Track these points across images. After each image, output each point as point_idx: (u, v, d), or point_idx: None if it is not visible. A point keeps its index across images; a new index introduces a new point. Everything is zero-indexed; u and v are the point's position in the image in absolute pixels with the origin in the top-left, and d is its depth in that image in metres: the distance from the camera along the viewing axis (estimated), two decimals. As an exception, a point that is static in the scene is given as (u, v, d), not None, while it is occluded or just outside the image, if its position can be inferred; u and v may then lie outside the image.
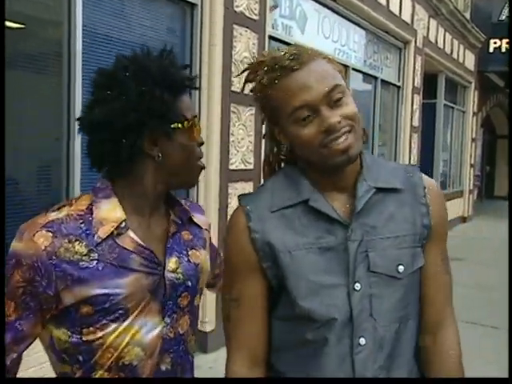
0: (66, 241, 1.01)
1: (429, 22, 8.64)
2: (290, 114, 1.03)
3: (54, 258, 1.00)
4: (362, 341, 1.03)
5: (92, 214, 1.06)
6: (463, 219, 11.88)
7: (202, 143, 1.16)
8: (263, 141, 1.22)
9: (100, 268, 1.02)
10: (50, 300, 1.02)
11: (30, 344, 1.06)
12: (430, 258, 1.13)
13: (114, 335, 1.04)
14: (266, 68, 1.05)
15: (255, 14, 4.47)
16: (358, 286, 1.04)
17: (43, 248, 1.00)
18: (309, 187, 1.08)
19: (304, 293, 1.04)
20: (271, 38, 4.80)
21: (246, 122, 4.40)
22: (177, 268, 1.12)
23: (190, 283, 1.14)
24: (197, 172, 1.15)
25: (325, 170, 1.07)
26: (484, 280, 6.66)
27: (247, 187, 4.37)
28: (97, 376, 1.05)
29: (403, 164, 1.25)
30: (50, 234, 1.01)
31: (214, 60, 4.04)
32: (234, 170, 4.27)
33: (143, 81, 1.04)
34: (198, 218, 1.24)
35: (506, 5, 11.65)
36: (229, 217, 1.16)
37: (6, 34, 2.95)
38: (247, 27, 4.38)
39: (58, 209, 1.07)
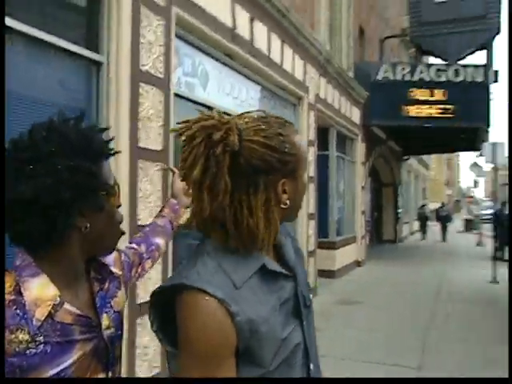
0: (7, 333, 0.97)
1: (319, 80, 9.26)
2: (304, 163, 1.16)
3: None
4: (311, 366, 1.19)
5: (22, 295, 1.01)
6: (358, 263, 12.48)
7: (120, 205, 1.18)
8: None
9: (48, 350, 1.01)
10: None
11: None
12: None
13: None
14: (281, 123, 1.15)
15: (160, 73, 4.55)
16: (303, 321, 1.18)
17: None
18: (256, 253, 1.10)
19: (276, 352, 1.07)
20: (176, 95, 4.89)
21: (153, 178, 4.39)
22: (109, 323, 1.16)
23: (119, 332, 1.20)
24: (118, 236, 1.18)
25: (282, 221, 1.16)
26: (376, 323, 6.95)
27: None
28: None
29: None
30: None
31: (120, 118, 4.02)
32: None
33: (68, 153, 1.02)
34: (108, 262, 1.24)
35: (382, 66, 12.83)
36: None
37: None
38: (153, 85, 4.44)
39: None
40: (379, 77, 12.69)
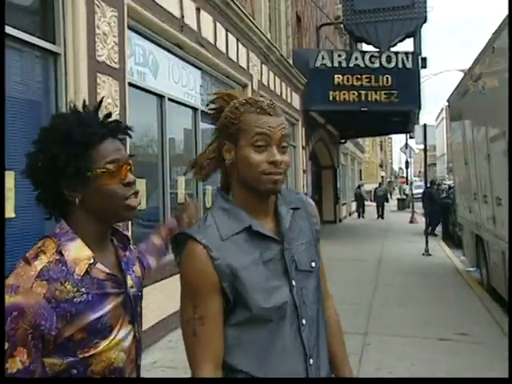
0: (58, 284, 1.19)
1: (261, 68, 9.56)
2: (251, 137, 1.33)
3: (53, 301, 1.17)
4: (304, 321, 1.38)
5: (63, 256, 1.23)
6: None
7: (129, 183, 1.31)
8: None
9: (90, 299, 1.23)
10: (51, 338, 1.17)
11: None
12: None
13: (104, 349, 1.25)
14: (244, 101, 1.37)
15: (115, 63, 4.68)
16: (293, 282, 1.38)
17: (42, 296, 1.15)
18: (246, 216, 1.38)
19: (262, 298, 1.32)
20: (130, 84, 5.03)
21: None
22: (133, 284, 1.38)
23: (140, 293, 1.42)
24: (124, 209, 1.31)
25: (254, 192, 1.37)
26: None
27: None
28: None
29: (293, 190, 1.68)
30: (45, 282, 1.17)
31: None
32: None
33: (59, 141, 1.25)
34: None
35: (319, 54, 13.27)
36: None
37: None
38: (109, 75, 4.57)
39: (36, 257, 1.21)
40: (317, 63, 13.13)
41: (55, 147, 1.25)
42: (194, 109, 6.99)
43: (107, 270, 1.30)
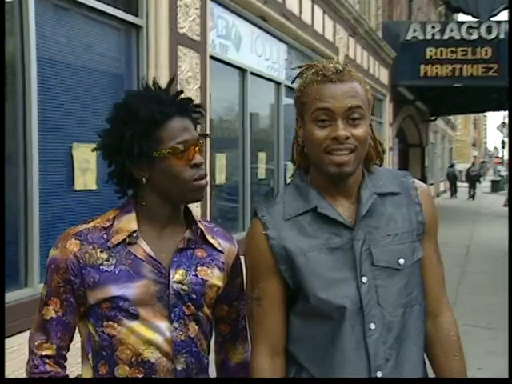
0: (91, 248, 1.22)
1: (348, 41, 9.19)
2: (312, 112, 1.18)
3: (81, 261, 1.21)
4: (372, 326, 1.17)
5: (112, 225, 1.25)
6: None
7: (196, 164, 1.24)
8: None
9: (117, 272, 1.21)
10: (83, 295, 1.22)
11: (72, 336, 1.26)
12: (425, 250, 1.27)
13: (129, 331, 1.20)
14: (313, 71, 1.20)
15: (197, 35, 4.63)
16: (364, 279, 1.18)
17: (73, 253, 1.21)
18: (316, 196, 1.22)
19: (319, 287, 1.17)
20: (211, 57, 4.97)
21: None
22: (183, 280, 1.25)
23: (194, 296, 1.26)
24: (190, 191, 1.25)
25: (325, 173, 1.20)
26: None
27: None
28: (119, 371, 1.21)
29: (398, 170, 1.40)
30: (79, 241, 1.22)
31: (160, 81, 4.11)
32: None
33: (127, 119, 1.23)
34: (217, 242, 1.35)
35: (411, 26, 12.59)
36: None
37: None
38: (190, 48, 4.53)
39: (89, 222, 1.27)
40: (408, 36, 12.47)
41: (122, 125, 1.22)
42: (277, 83, 6.84)
43: (149, 252, 1.23)
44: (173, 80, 1.34)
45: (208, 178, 1.30)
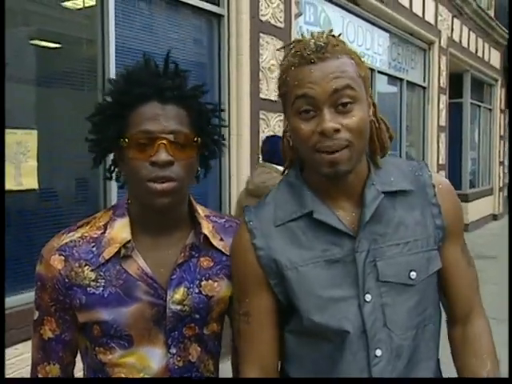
0: (77, 265, 1.05)
1: (452, 22, 8.57)
2: (292, 103, 0.98)
3: (67, 280, 1.05)
4: (378, 352, 0.99)
5: (105, 233, 1.07)
6: (494, 216, 11.68)
7: (155, 162, 1.00)
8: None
9: (105, 295, 1.04)
10: (75, 314, 1.07)
11: (77, 350, 1.14)
12: (450, 256, 1.08)
13: (121, 360, 1.06)
14: (292, 52, 0.99)
15: (280, 22, 4.52)
16: (368, 297, 0.99)
17: (58, 271, 1.05)
18: (312, 198, 1.03)
19: (313, 308, 1.00)
20: (297, 44, 4.84)
21: (274, 128, 4.44)
22: (183, 300, 1.07)
23: (197, 316, 1.09)
24: (146, 192, 1.02)
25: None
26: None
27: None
28: None
29: (412, 161, 1.15)
30: (63, 257, 1.05)
31: (241, 69, 4.09)
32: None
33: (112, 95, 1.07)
34: (226, 243, 1.13)
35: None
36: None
37: (43, 54, 3.08)
38: (273, 35, 4.43)
39: (77, 228, 1.09)
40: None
41: (106, 104, 1.08)
42: (371, 69, 6.53)
43: (145, 268, 1.05)
44: (168, 58, 1.12)
45: (175, 184, 1.01)
